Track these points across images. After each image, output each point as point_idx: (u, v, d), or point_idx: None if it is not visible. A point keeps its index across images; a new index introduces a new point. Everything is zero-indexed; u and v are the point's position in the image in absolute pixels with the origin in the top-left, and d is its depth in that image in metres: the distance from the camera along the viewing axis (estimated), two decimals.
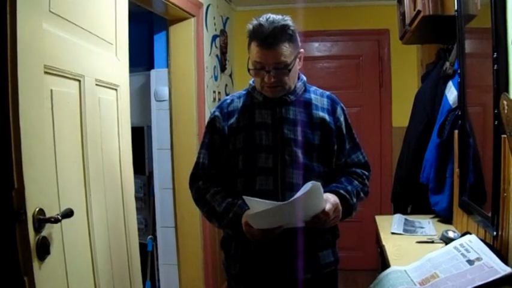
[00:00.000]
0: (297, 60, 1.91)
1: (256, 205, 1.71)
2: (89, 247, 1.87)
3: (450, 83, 2.65)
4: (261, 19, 1.84)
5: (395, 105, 4.83)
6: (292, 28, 1.84)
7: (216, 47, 4.25)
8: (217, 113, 2.03)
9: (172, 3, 3.23)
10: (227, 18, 4.61)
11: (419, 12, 2.78)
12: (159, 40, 4.02)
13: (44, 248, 1.50)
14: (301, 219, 1.78)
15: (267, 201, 1.71)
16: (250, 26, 1.86)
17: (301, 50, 1.92)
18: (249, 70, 1.91)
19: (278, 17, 1.84)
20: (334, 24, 4.88)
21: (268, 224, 1.74)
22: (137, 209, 2.49)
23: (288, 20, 1.85)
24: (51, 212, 1.54)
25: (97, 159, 1.97)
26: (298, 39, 1.89)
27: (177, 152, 3.74)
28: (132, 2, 2.66)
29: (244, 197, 1.74)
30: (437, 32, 3.07)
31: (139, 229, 2.58)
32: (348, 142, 2.01)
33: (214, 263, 3.95)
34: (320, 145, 1.94)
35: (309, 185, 1.66)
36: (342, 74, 4.95)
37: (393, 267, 1.83)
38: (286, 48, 1.82)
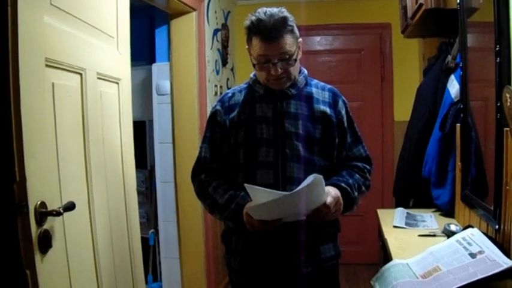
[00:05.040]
0: (298, 50, 1.91)
1: (257, 193, 1.72)
2: (90, 240, 1.87)
3: (452, 77, 2.64)
4: (258, 14, 1.84)
5: (397, 99, 4.83)
6: (291, 19, 1.86)
7: (218, 41, 4.24)
8: (218, 107, 2.03)
9: None
10: (228, 12, 4.60)
11: (421, 5, 2.77)
12: (160, 34, 4.01)
13: (45, 241, 1.51)
14: (302, 212, 1.78)
15: (267, 189, 1.71)
16: (249, 22, 1.86)
17: (300, 39, 1.93)
18: (254, 65, 1.91)
19: (274, 9, 1.84)
20: (336, 18, 4.87)
21: (268, 216, 1.74)
22: (139, 203, 2.50)
23: (285, 12, 1.86)
24: (53, 205, 1.54)
25: (99, 153, 1.97)
26: (297, 29, 1.89)
27: (179, 145, 3.75)
28: None
29: (246, 184, 1.73)
30: (439, 26, 3.06)
31: (141, 223, 2.58)
32: (349, 135, 2.01)
33: (216, 257, 3.96)
34: (321, 139, 1.94)
35: (311, 178, 1.66)
36: (344, 68, 4.94)
37: (395, 261, 1.83)
38: (289, 39, 1.83)
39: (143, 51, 4.23)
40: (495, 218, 1.81)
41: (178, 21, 3.67)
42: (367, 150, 2.06)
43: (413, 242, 2.15)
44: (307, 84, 2.02)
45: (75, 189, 1.77)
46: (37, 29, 1.51)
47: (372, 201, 4.10)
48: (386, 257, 2.09)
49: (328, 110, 1.97)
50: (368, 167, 2.03)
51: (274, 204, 1.68)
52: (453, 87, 2.59)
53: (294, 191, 1.68)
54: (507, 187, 1.69)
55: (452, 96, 2.58)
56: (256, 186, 1.72)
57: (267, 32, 1.80)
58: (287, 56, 1.85)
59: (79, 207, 1.70)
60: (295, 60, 1.89)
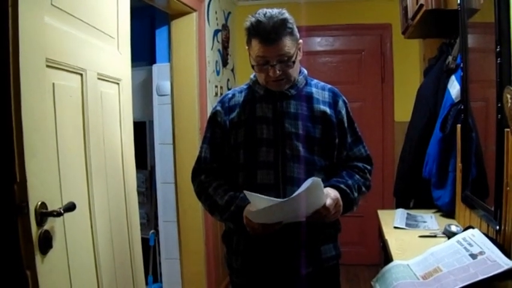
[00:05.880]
0: (298, 51, 1.91)
1: (257, 200, 1.71)
2: (91, 241, 1.87)
3: (453, 78, 2.64)
4: (258, 16, 1.84)
5: (397, 100, 4.83)
6: (290, 21, 1.85)
7: (218, 42, 4.25)
8: (218, 108, 2.03)
9: None
10: (229, 12, 4.60)
11: (421, 6, 2.77)
12: (161, 35, 4.02)
13: (46, 242, 1.50)
14: (302, 215, 1.78)
15: (266, 197, 1.70)
16: (248, 23, 1.86)
17: (300, 40, 1.92)
18: (253, 67, 1.91)
19: (275, 11, 1.84)
20: (336, 18, 4.87)
21: (268, 220, 1.74)
22: (139, 203, 2.49)
23: (286, 14, 1.85)
24: (53, 205, 1.54)
25: (99, 153, 1.97)
26: (297, 30, 1.89)
27: (179, 146, 3.75)
28: None
29: (245, 192, 1.74)
30: (439, 26, 3.06)
31: (141, 223, 2.58)
32: (349, 135, 2.01)
33: (217, 257, 3.96)
34: (321, 139, 1.94)
35: (309, 181, 1.65)
36: (344, 69, 4.94)
37: (396, 262, 1.83)
38: (288, 41, 1.83)
39: (144, 52, 4.24)
40: (496, 218, 1.81)
41: (179, 21, 3.67)
42: (368, 150, 2.06)
43: (413, 243, 2.15)
44: (307, 84, 2.01)
45: (76, 189, 1.77)
46: (38, 30, 1.51)
47: (372, 202, 4.10)
48: (387, 258, 2.09)
49: (328, 110, 1.96)
50: (368, 167, 2.03)
51: (274, 210, 1.68)
52: (454, 88, 2.59)
53: (292, 196, 1.68)
54: (508, 188, 1.69)
55: (453, 97, 2.58)
56: (256, 194, 1.72)
57: (266, 34, 1.80)
58: (286, 58, 1.85)
59: (79, 208, 1.70)
60: (294, 62, 1.88)
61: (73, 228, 1.70)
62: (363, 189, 1.98)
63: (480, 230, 1.85)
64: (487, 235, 1.76)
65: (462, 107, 2.36)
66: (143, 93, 4.21)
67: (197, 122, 3.70)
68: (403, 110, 4.25)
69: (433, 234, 2.23)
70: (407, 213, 2.68)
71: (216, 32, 4.18)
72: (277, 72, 1.85)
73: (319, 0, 4.82)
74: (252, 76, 2.03)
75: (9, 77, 1.40)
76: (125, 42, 2.28)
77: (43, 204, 1.49)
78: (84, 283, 1.80)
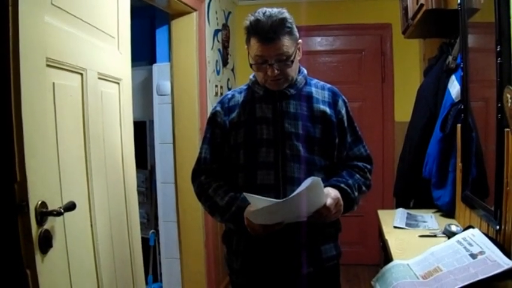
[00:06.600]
0: (297, 51, 1.91)
1: (257, 202, 1.71)
2: (91, 240, 1.87)
3: (453, 77, 2.64)
4: (257, 15, 1.84)
5: (397, 100, 4.82)
6: (290, 20, 1.85)
7: (218, 41, 4.25)
8: (218, 108, 2.03)
9: None
10: (229, 12, 4.60)
11: (421, 6, 2.77)
12: (161, 34, 4.02)
13: (46, 241, 1.51)
14: (302, 215, 1.78)
15: (266, 198, 1.70)
16: (248, 22, 1.86)
17: (300, 40, 1.92)
18: (251, 65, 1.91)
19: (274, 10, 1.84)
20: (337, 18, 4.87)
21: (269, 220, 1.74)
22: (139, 203, 2.50)
23: (285, 13, 1.85)
24: (53, 205, 1.54)
25: (99, 153, 1.97)
26: (296, 30, 1.89)
27: (179, 146, 3.75)
28: None
29: (245, 193, 1.74)
30: (440, 26, 3.06)
31: (141, 223, 2.58)
32: (349, 135, 2.01)
33: (217, 257, 3.96)
34: (321, 138, 1.94)
35: (308, 181, 1.65)
36: (344, 69, 4.93)
37: (396, 261, 1.83)
38: (286, 41, 1.83)
39: (144, 52, 4.24)
40: (496, 218, 1.81)
41: (179, 21, 3.67)
42: (368, 149, 2.06)
43: (413, 243, 2.15)
44: (306, 83, 2.01)
45: (76, 189, 1.77)
46: (38, 29, 1.51)
47: (372, 202, 4.10)
48: (387, 258, 2.08)
49: (328, 109, 1.96)
50: (369, 166, 2.03)
51: (274, 209, 1.67)
52: (454, 87, 2.59)
53: (291, 195, 1.67)
54: (508, 188, 1.69)
55: (453, 96, 2.58)
56: (256, 196, 1.71)
57: (265, 33, 1.80)
58: (284, 57, 1.85)
59: (79, 207, 1.70)
60: (293, 61, 1.88)
61: (73, 228, 1.70)
62: (363, 188, 1.98)
63: (480, 229, 1.85)
64: (487, 235, 1.76)
65: (462, 107, 2.36)
66: (143, 92, 4.21)
67: (197, 121, 3.70)
68: (403, 110, 4.25)
69: (433, 234, 2.23)
70: (408, 213, 2.68)
71: (216, 32, 4.18)
72: (276, 71, 1.85)
73: (320, 0, 4.82)
74: (251, 76, 2.03)
75: (10, 77, 1.40)
76: (125, 42, 2.28)
77: (43, 204, 1.49)
78: (84, 282, 1.80)
